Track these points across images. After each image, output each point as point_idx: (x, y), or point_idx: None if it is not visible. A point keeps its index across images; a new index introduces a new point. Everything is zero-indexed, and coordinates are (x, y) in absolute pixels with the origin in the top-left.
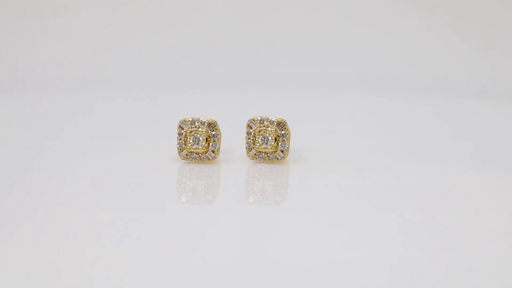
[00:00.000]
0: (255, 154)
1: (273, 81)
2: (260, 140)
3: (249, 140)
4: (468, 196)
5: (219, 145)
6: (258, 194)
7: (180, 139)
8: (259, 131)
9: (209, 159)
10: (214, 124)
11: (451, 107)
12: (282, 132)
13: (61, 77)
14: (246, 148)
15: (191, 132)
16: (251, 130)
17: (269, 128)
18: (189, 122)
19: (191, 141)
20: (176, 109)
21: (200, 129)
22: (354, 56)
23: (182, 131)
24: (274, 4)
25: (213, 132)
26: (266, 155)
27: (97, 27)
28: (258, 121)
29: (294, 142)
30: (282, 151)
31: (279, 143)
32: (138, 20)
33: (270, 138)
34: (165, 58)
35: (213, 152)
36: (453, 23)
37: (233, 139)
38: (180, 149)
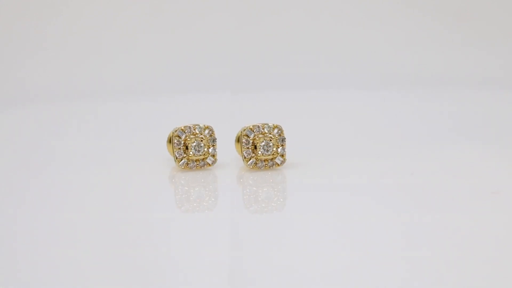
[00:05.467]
0: (255, 163)
1: (258, 84)
2: (262, 149)
3: (248, 150)
4: (474, 195)
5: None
6: (262, 204)
7: (179, 148)
8: (259, 139)
9: (209, 164)
10: (211, 129)
11: (450, 104)
12: (281, 137)
13: (52, 86)
14: (245, 158)
15: (191, 139)
16: (249, 139)
17: (267, 135)
18: (186, 130)
19: (193, 149)
20: (159, 115)
21: (198, 135)
22: (350, 55)
23: (180, 140)
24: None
25: (212, 137)
26: (266, 163)
27: (84, 35)
28: (255, 129)
29: (289, 145)
30: (282, 156)
31: (278, 148)
32: (130, 25)
33: (271, 144)
34: (147, 64)
35: (213, 156)
36: (450, 19)
37: (220, 143)
38: (179, 158)
